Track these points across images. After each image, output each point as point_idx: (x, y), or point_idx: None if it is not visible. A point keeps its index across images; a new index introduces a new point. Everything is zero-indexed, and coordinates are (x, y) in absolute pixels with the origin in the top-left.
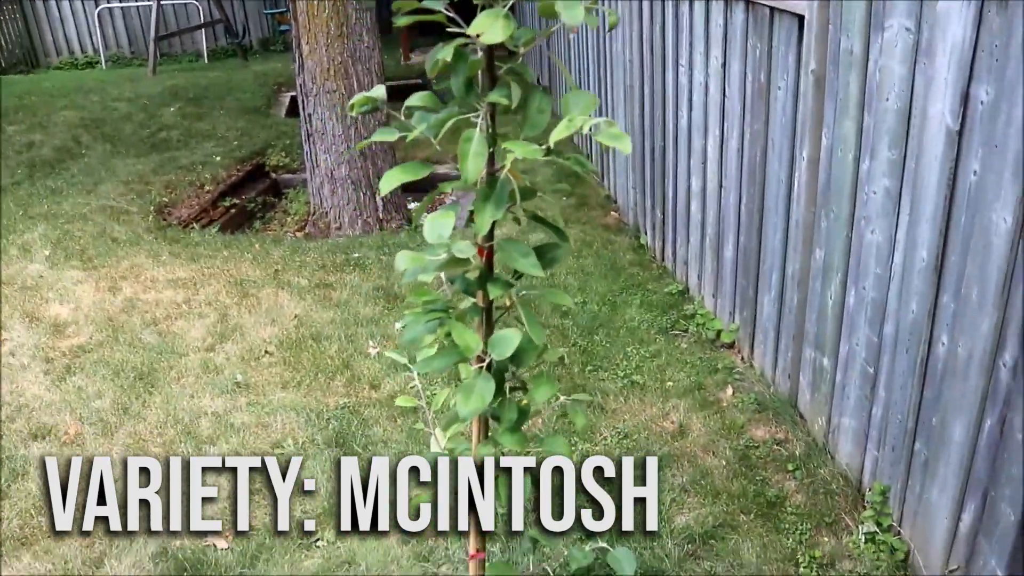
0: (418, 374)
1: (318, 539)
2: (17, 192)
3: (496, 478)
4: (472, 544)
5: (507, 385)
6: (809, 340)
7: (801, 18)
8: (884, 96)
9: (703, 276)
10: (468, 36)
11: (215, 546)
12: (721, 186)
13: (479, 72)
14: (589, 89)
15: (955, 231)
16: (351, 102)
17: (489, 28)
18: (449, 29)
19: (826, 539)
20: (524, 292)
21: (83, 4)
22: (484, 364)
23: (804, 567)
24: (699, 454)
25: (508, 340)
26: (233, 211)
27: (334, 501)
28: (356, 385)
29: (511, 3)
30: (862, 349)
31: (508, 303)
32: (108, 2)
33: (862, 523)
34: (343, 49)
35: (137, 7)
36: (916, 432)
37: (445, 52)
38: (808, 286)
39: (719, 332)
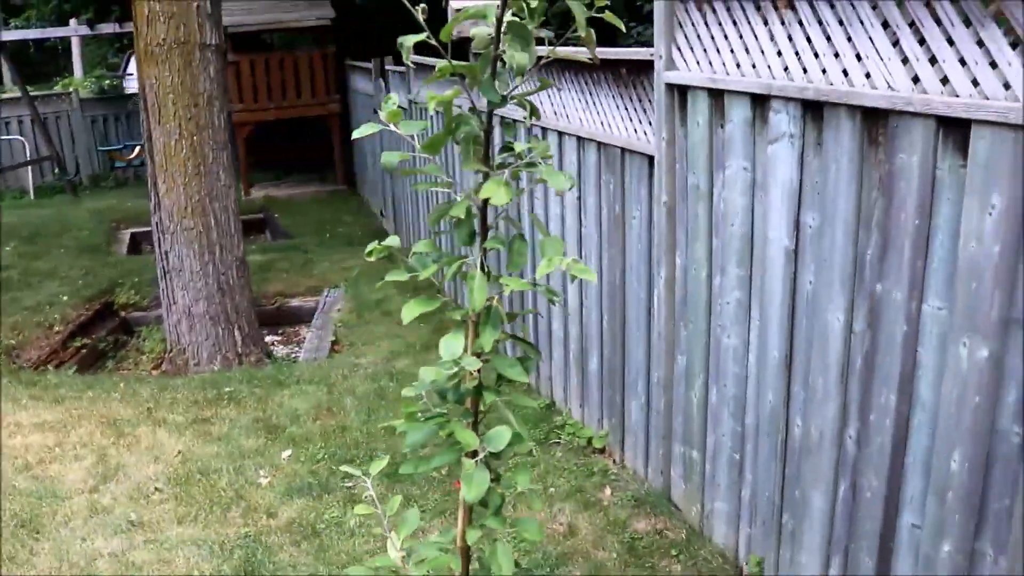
0: (371, 484)
1: None
2: None
3: (491, 552)
4: None
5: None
6: (678, 437)
7: (651, 157)
8: (730, 223)
9: (568, 389)
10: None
11: None
12: (582, 306)
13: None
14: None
15: (799, 332)
16: (369, 248)
17: (495, 193)
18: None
19: None
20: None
21: None
22: (479, 458)
23: None
24: (590, 550)
25: (501, 436)
26: (84, 351)
27: None
28: (253, 515)
29: (508, 172)
30: (728, 439)
31: (486, 409)
32: None
33: None
34: (200, 188)
35: None
36: (782, 506)
37: (457, 210)
38: (673, 389)
39: (590, 439)
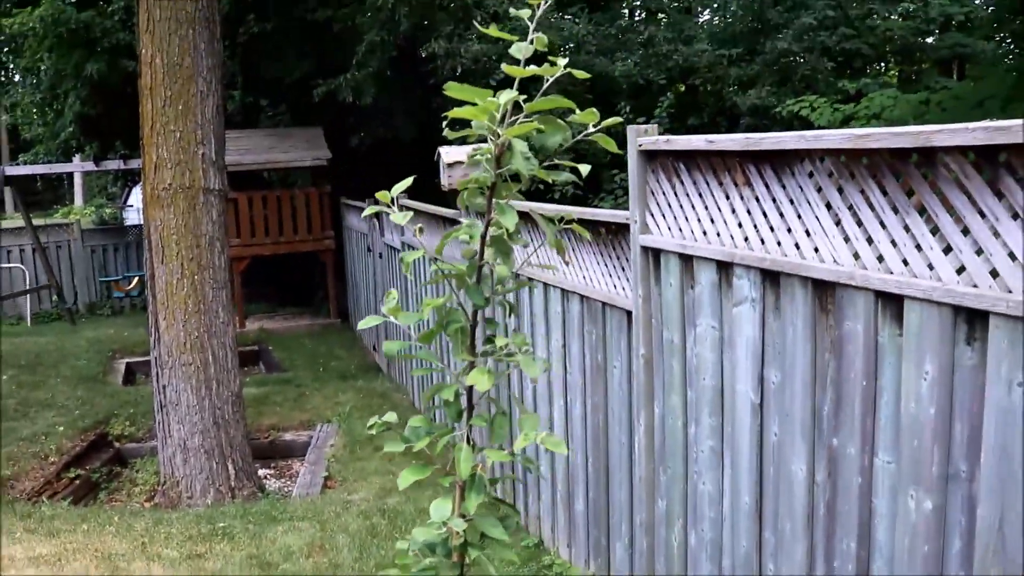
0: None
1: None
2: None
3: None
4: None
5: None
6: None
7: (629, 312)
8: (702, 376)
9: (556, 529)
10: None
11: None
12: (568, 448)
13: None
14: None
15: (767, 480)
16: (370, 423)
17: (478, 381)
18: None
19: None
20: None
21: None
22: None
23: None
24: None
25: None
26: (78, 482)
27: None
28: None
29: (491, 360)
30: None
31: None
32: None
33: None
34: (200, 324)
35: None
36: None
37: (447, 393)
38: (655, 532)
39: None
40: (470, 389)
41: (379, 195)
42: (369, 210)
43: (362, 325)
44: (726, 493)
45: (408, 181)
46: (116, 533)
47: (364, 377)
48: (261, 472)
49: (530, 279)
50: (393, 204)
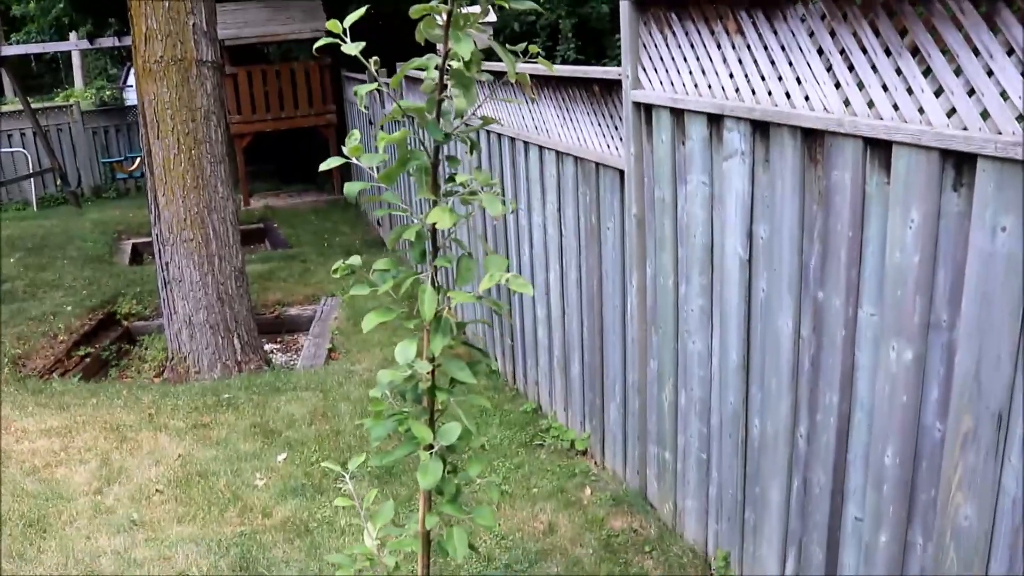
0: (349, 479)
1: None
2: None
3: (448, 535)
4: None
5: (447, 468)
6: (652, 438)
7: (622, 171)
8: (692, 234)
9: (553, 393)
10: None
11: None
12: (564, 313)
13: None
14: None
15: (755, 336)
16: (334, 267)
17: (440, 218)
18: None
19: None
20: (454, 398)
21: None
22: (434, 450)
23: None
24: (568, 547)
25: (452, 431)
26: (88, 360)
27: None
28: (249, 515)
29: (454, 199)
30: (695, 440)
31: (441, 407)
32: None
33: None
34: (199, 200)
35: None
36: (745, 502)
37: (409, 233)
38: (647, 392)
39: (573, 442)
40: (434, 229)
41: (328, 24)
42: (363, 89)
43: (347, 190)
44: (715, 352)
45: (360, 11)
46: (124, 406)
47: (368, 252)
48: (268, 347)
49: (526, 143)
50: (345, 35)
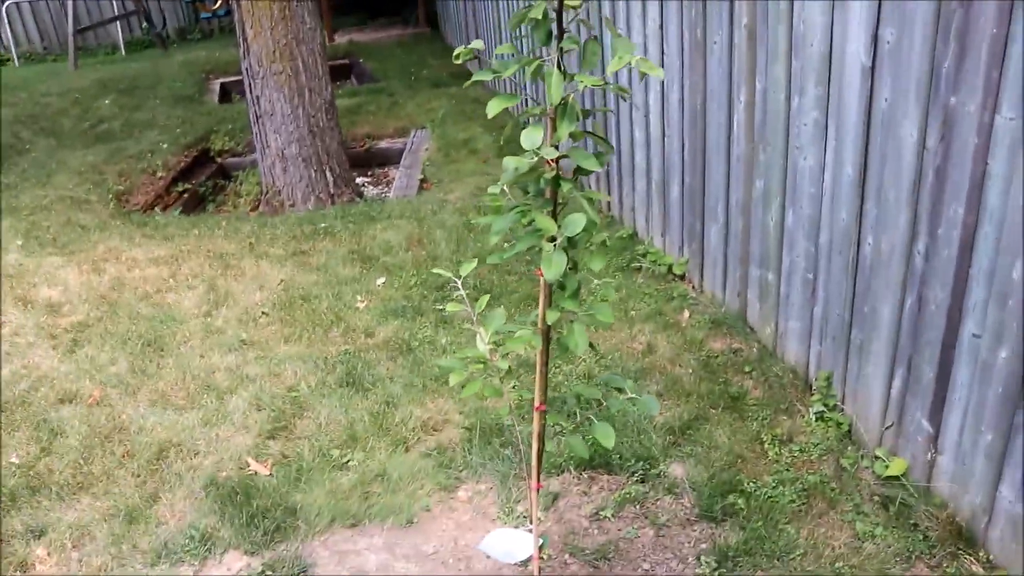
0: (460, 284)
1: (348, 460)
2: None
3: (568, 331)
4: (537, 398)
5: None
6: (754, 260)
7: None
8: (809, 43)
9: (651, 219)
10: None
11: (257, 473)
12: (664, 135)
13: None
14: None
15: (873, 148)
16: (456, 51)
17: None
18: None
19: (784, 421)
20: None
21: None
22: (557, 242)
23: (768, 444)
24: (667, 366)
25: (577, 221)
26: (186, 196)
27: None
28: (352, 335)
29: None
30: (801, 260)
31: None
32: None
33: (811, 406)
34: (287, 31)
35: (47, 2)
36: (852, 322)
37: (535, 12)
38: (751, 213)
39: (670, 266)
40: (560, 9)
41: None
42: None
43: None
44: (828, 167)
45: None
46: (225, 236)
47: (457, 84)
48: (359, 180)
49: None
50: None
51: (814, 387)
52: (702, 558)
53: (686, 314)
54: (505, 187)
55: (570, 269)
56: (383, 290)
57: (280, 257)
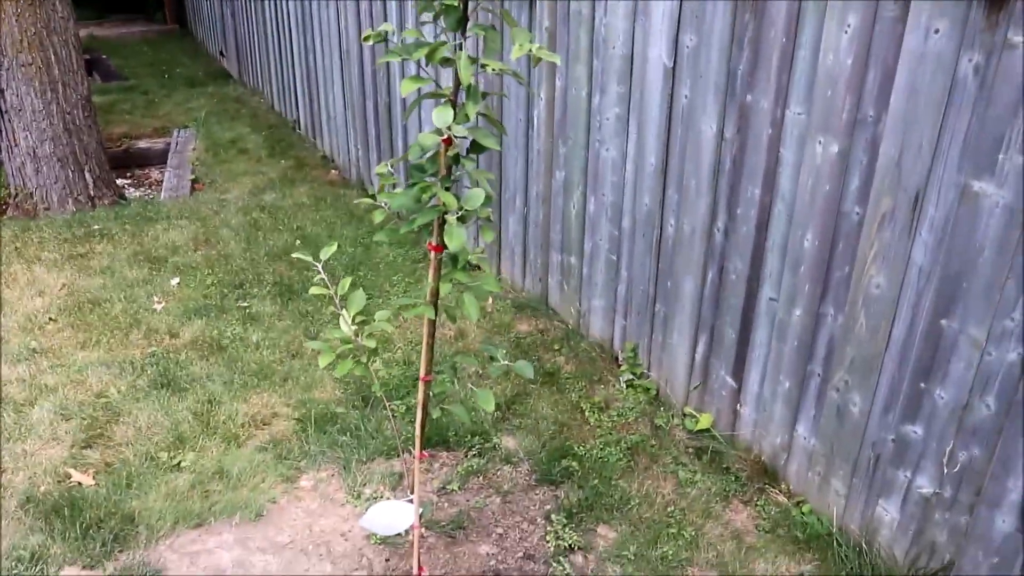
0: (322, 268)
1: (180, 461)
2: None
3: (458, 300)
4: (423, 369)
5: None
6: (555, 246)
7: None
8: (611, 45)
9: None
10: None
11: (80, 484)
12: None
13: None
14: (300, 56)
15: (674, 141)
16: (365, 34)
17: None
18: None
19: (599, 390)
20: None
21: None
22: (458, 216)
23: (588, 412)
24: (480, 348)
25: (477, 196)
26: None
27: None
28: (155, 336)
29: None
30: (605, 243)
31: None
32: None
33: (621, 375)
34: (36, 19)
35: None
36: (656, 297)
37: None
38: (551, 202)
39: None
40: (464, 3)
41: None
42: None
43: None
44: (630, 158)
45: None
46: None
47: (214, 83)
48: (119, 181)
49: None
50: None
51: (621, 358)
52: (552, 516)
53: (489, 300)
54: (389, 167)
55: None
56: (179, 290)
57: (55, 261)
